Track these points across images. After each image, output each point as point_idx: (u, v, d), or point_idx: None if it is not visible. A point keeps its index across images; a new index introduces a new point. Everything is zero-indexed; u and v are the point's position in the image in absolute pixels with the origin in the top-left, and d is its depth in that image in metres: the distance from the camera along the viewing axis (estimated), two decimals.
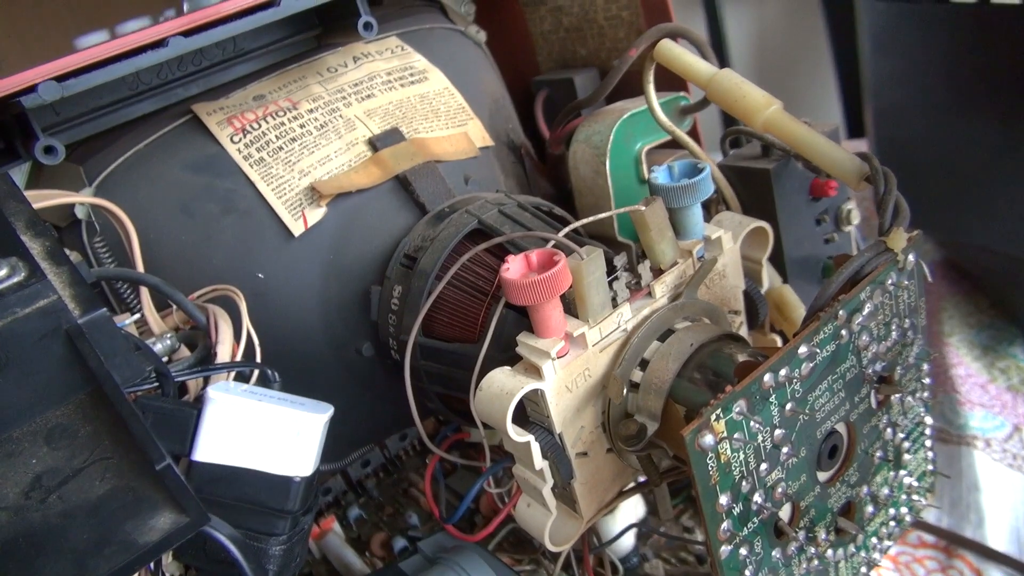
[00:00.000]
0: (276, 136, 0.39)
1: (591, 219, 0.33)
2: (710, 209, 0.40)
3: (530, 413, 0.30)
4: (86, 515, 0.21)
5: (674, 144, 0.42)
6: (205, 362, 0.31)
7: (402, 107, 0.43)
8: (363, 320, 0.40)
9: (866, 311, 0.29)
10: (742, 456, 0.26)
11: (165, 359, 0.32)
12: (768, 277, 0.37)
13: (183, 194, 0.38)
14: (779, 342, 0.39)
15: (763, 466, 0.27)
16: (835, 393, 0.29)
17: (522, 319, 0.32)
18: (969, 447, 0.47)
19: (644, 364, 0.30)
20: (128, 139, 0.38)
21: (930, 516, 0.43)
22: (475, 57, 0.50)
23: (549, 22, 0.55)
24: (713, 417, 0.25)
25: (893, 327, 0.31)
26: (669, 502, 0.32)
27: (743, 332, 0.36)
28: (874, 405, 0.31)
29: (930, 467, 0.35)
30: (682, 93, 0.46)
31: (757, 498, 0.27)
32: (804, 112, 0.35)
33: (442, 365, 0.36)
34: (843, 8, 0.84)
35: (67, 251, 0.33)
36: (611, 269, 0.30)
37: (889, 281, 0.30)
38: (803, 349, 0.27)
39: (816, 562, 0.30)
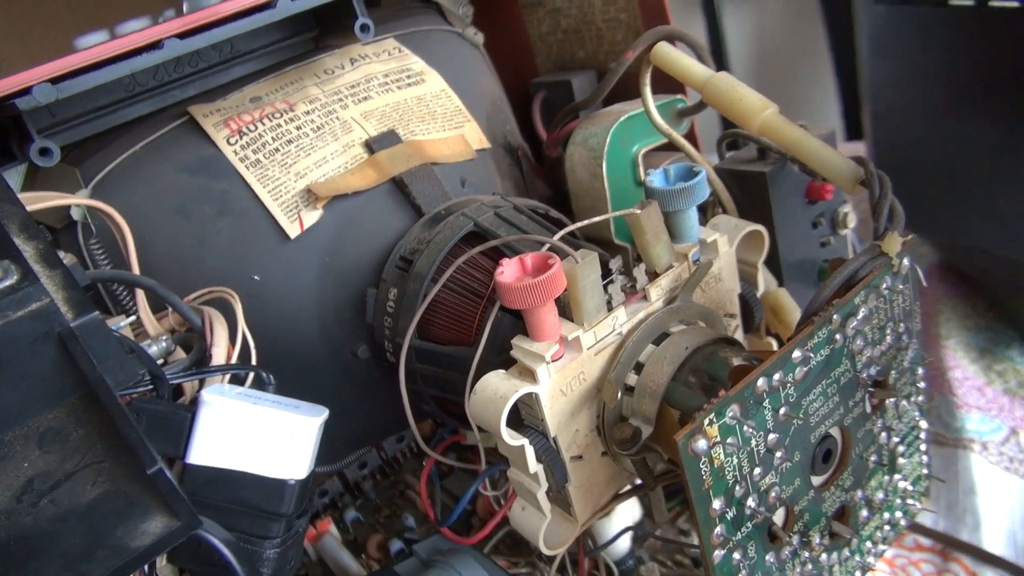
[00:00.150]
0: (272, 138, 0.39)
1: (587, 222, 0.33)
2: (706, 212, 0.40)
3: (525, 417, 0.30)
4: (78, 519, 0.21)
5: (671, 147, 0.42)
6: (200, 364, 0.31)
7: (399, 109, 0.43)
8: (359, 322, 0.40)
9: (860, 315, 0.29)
10: (735, 460, 0.26)
11: (160, 361, 0.32)
12: (764, 280, 0.37)
13: (179, 196, 0.38)
14: (775, 345, 0.39)
15: (757, 470, 0.27)
16: (829, 397, 0.29)
17: (518, 322, 0.32)
18: (966, 450, 0.47)
19: (639, 368, 0.30)
20: (124, 141, 0.38)
21: (926, 519, 0.43)
22: (472, 59, 0.50)
23: (547, 24, 0.55)
24: (706, 422, 0.25)
25: (888, 331, 0.31)
26: (664, 505, 0.32)
27: (739, 336, 0.36)
28: (868, 409, 0.31)
29: (925, 471, 0.35)
30: (679, 96, 0.46)
31: (751, 503, 0.27)
32: (803, 114, 0.35)
33: (437, 368, 0.36)
34: (842, 11, 0.84)
35: (63, 253, 0.34)
36: (606, 272, 0.30)
37: (884, 285, 0.30)
38: (797, 353, 0.27)
39: (810, 566, 0.30)
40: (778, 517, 0.29)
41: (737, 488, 0.26)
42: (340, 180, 0.39)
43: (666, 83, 0.40)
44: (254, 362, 0.33)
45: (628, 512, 0.41)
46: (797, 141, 0.32)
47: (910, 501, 0.35)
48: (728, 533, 0.27)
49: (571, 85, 0.52)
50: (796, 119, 0.34)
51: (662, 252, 0.31)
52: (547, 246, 0.32)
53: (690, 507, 0.26)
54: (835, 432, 0.30)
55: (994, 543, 0.42)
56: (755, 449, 0.27)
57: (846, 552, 0.32)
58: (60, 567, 0.20)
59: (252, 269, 0.38)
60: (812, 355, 0.28)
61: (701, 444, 0.25)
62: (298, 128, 0.40)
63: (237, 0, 0.36)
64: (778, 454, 0.27)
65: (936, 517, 0.44)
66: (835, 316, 0.28)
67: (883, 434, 0.32)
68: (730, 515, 0.26)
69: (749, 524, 0.27)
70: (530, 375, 0.28)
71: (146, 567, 0.27)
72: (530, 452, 0.29)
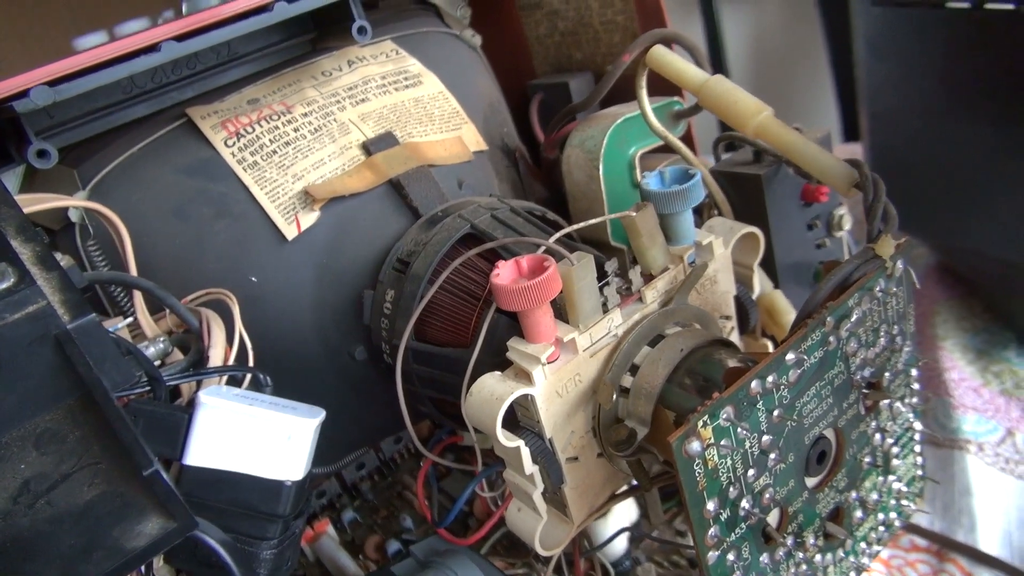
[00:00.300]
0: (270, 140, 0.40)
1: (583, 224, 0.34)
2: (702, 214, 0.40)
3: (520, 418, 0.30)
4: (75, 520, 0.21)
5: (668, 149, 0.42)
6: (197, 366, 0.32)
7: (396, 111, 0.43)
8: (356, 324, 0.40)
9: (854, 318, 0.29)
10: (729, 462, 0.26)
11: (158, 363, 0.32)
12: (759, 282, 0.37)
13: (177, 198, 0.38)
14: (770, 347, 0.39)
15: (751, 472, 0.27)
16: (823, 399, 0.29)
17: (514, 324, 0.32)
18: (962, 451, 0.47)
19: (634, 369, 0.30)
20: (122, 143, 0.38)
21: (922, 520, 0.43)
22: (470, 61, 0.50)
23: (545, 26, 0.55)
24: (700, 424, 0.25)
25: (881, 333, 0.31)
26: (660, 506, 0.32)
27: (734, 337, 0.36)
28: (862, 411, 0.31)
29: (919, 472, 0.35)
30: (676, 98, 0.46)
31: (745, 504, 0.27)
32: (801, 116, 0.35)
33: (434, 369, 0.36)
34: (839, 13, 0.84)
35: (60, 254, 0.34)
36: (602, 274, 0.30)
37: (877, 288, 0.30)
38: (791, 356, 0.27)
39: (804, 567, 0.30)
40: (772, 518, 0.29)
41: (731, 489, 0.27)
42: (337, 182, 0.39)
43: (663, 85, 0.40)
44: (251, 364, 0.33)
45: (624, 513, 0.41)
46: (792, 144, 0.32)
47: (904, 502, 0.35)
48: (722, 534, 0.27)
49: (568, 87, 0.52)
50: (793, 121, 0.34)
51: (658, 254, 0.31)
52: (543, 248, 0.32)
53: (684, 508, 0.26)
54: (829, 434, 0.30)
55: (990, 544, 0.42)
56: (749, 451, 0.27)
57: (840, 553, 0.32)
58: (56, 568, 0.20)
59: (249, 271, 0.38)
60: (806, 357, 0.28)
61: (695, 446, 0.25)
62: (296, 130, 0.40)
63: (236, 2, 0.36)
64: (772, 456, 0.27)
65: (932, 518, 0.44)
66: (829, 319, 0.28)
67: (877, 435, 0.32)
68: (724, 516, 0.27)
69: (743, 525, 0.27)
70: (526, 377, 0.28)
71: (143, 568, 0.27)
72: (526, 453, 0.29)
